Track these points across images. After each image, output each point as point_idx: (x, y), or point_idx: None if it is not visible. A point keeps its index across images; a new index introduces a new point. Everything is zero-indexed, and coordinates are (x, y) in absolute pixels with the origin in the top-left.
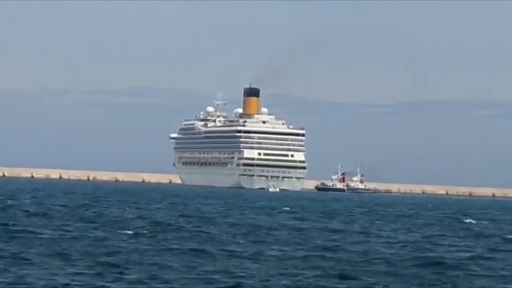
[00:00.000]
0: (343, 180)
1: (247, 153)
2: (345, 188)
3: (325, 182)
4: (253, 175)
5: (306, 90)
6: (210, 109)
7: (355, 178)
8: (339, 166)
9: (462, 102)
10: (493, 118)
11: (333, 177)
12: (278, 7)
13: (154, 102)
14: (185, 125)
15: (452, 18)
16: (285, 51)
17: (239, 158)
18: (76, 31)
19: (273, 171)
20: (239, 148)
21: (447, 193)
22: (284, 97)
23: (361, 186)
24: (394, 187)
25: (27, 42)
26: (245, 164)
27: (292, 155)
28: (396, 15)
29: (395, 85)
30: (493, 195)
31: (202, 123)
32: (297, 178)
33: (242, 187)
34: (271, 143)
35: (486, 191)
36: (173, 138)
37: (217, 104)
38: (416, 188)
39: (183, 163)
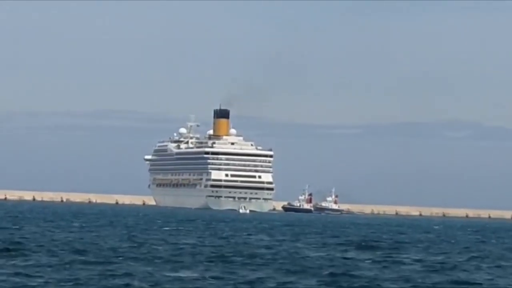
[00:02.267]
0: (310, 200)
1: (215, 175)
2: (312, 208)
3: (292, 202)
4: (221, 196)
5: (277, 111)
6: (183, 130)
7: (329, 199)
8: (306, 187)
9: (432, 124)
10: (463, 139)
11: (300, 197)
12: (250, 29)
13: (128, 125)
14: (159, 146)
15: (420, 40)
16: (256, 73)
17: (207, 180)
18: (46, 53)
19: (240, 192)
20: (207, 169)
21: (420, 214)
22: (254, 118)
23: (334, 206)
24: (368, 209)
25: None
26: (212, 186)
27: (259, 176)
28: (365, 37)
29: (365, 107)
30: (467, 216)
31: (175, 144)
32: (264, 199)
33: (210, 208)
34: (239, 164)
35: (459, 212)
36: (148, 159)
37: (190, 126)
38: (390, 209)
39: (157, 185)
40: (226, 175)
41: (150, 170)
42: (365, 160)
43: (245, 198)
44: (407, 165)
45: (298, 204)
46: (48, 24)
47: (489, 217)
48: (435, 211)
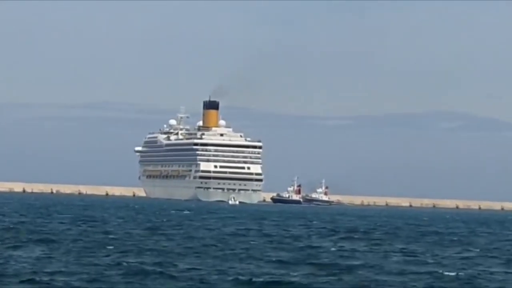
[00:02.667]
0: (299, 192)
1: (204, 166)
2: (301, 199)
3: (281, 194)
4: (210, 188)
5: (267, 103)
6: (173, 122)
7: (319, 190)
8: (295, 178)
9: (424, 115)
10: (455, 130)
11: (289, 188)
12: (240, 21)
13: (118, 116)
14: (149, 138)
15: (413, 32)
16: (246, 65)
17: (196, 171)
18: (37, 45)
19: (229, 184)
20: (196, 161)
21: (410, 205)
22: (244, 109)
23: (325, 198)
24: (358, 200)
25: None
26: (201, 177)
27: (248, 168)
28: (357, 29)
29: (356, 98)
30: (457, 207)
31: (165, 136)
32: (253, 190)
33: (200, 200)
34: (228, 156)
35: (449, 203)
36: (138, 151)
37: (181, 117)
38: (380, 201)
39: (147, 176)
40: (215, 166)
41: (140, 161)
42: (356, 151)
43: (234, 190)
44: (398, 157)
45: (287, 195)
46: (40, 16)
47: (479, 208)
48: (426, 202)
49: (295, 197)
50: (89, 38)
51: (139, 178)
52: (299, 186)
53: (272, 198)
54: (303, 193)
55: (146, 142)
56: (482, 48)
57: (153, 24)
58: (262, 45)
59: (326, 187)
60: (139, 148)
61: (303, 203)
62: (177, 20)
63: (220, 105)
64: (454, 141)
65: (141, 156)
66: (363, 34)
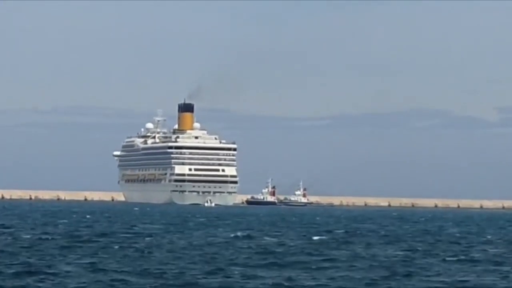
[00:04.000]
0: (273, 193)
1: (178, 169)
2: (276, 201)
3: (256, 196)
4: (185, 191)
5: (244, 104)
6: (150, 125)
7: (297, 192)
8: (270, 180)
9: (400, 114)
10: (431, 128)
11: (263, 190)
12: (215, 22)
13: (96, 121)
14: (126, 142)
15: (388, 30)
16: (222, 66)
17: (171, 174)
18: (10, 49)
19: (204, 186)
20: (171, 164)
21: (389, 205)
22: (221, 111)
23: (303, 200)
24: (337, 200)
25: None
26: (176, 180)
27: (223, 170)
28: (333, 28)
29: (332, 98)
30: (436, 206)
31: (142, 140)
32: (228, 192)
33: (175, 203)
34: (202, 158)
35: (428, 202)
36: (116, 155)
37: (158, 121)
38: (359, 201)
39: (125, 181)
40: (190, 169)
41: (119, 166)
42: (333, 151)
43: (209, 192)
44: (376, 156)
45: (262, 197)
46: (11, 19)
47: (458, 206)
48: (405, 201)
49: (270, 198)
50: (64, 42)
51: (118, 182)
52: (273, 187)
53: (246, 201)
54: (280, 196)
55: (124, 146)
56: (457, 44)
57: (129, 26)
58: (238, 47)
59: (304, 189)
60: (118, 153)
61: (278, 204)
62: (153, 22)
63: (196, 108)
64: (431, 139)
65: (120, 161)
66: (339, 33)
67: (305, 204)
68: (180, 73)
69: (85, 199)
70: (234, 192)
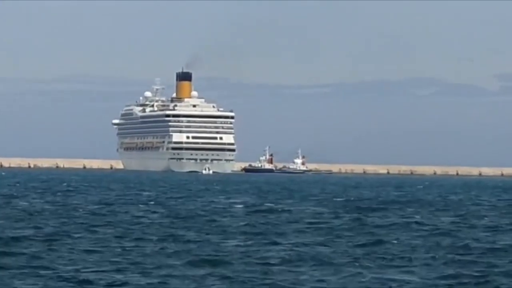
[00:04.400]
0: (271, 161)
1: (176, 137)
2: (274, 168)
3: (253, 163)
4: (182, 159)
5: (243, 72)
6: (148, 94)
7: (296, 160)
8: (267, 148)
9: (399, 82)
10: (430, 96)
11: (261, 158)
12: None
13: (95, 89)
14: (125, 110)
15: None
16: (222, 34)
17: (169, 142)
18: (11, 18)
19: (202, 154)
20: (168, 132)
21: (388, 172)
22: (219, 80)
23: (302, 167)
24: (335, 168)
25: None
26: (174, 148)
27: (221, 138)
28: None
29: (331, 66)
30: (434, 173)
31: (140, 108)
32: (226, 160)
33: (172, 171)
34: (200, 126)
35: (427, 170)
36: (115, 124)
37: (156, 89)
38: (357, 168)
39: (124, 149)
40: (187, 137)
41: (118, 134)
42: (332, 119)
43: (206, 160)
44: (374, 124)
45: (260, 165)
46: None
47: (457, 174)
48: (403, 168)
49: (267, 166)
50: (61, 11)
51: (117, 150)
52: (271, 155)
53: (244, 168)
54: (279, 164)
55: (122, 115)
56: (455, 12)
57: None
58: (237, 15)
59: (303, 156)
60: (117, 121)
61: (276, 172)
62: None
63: (194, 76)
64: (430, 107)
65: (119, 129)
66: (339, 2)
67: (303, 171)
68: (180, 42)
69: (84, 167)
70: (232, 160)
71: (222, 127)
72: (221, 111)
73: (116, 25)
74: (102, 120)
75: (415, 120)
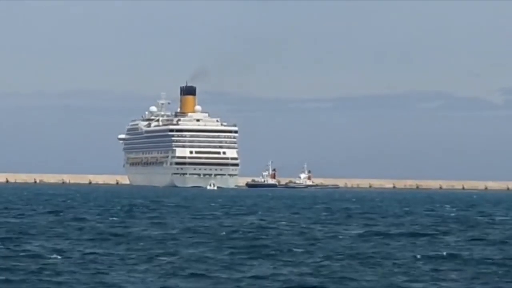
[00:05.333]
0: (274, 176)
1: (179, 152)
2: (277, 183)
3: (256, 178)
4: (186, 174)
5: (248, 87)
6: (153, 108)
7: (302, 175)
8: (270, 162)
9: (403, 96)
10: (435, 110)
11: (264, 173)
12: (219, 3)
13: (101, 104)
14: (131, 125)
15: (391, 11)
16: (224, 49)
17: (172, 157)
18: (16, 33)
19: (205, 169)
20: (172, 146)
21: (394, 187)
22: (222, 94)
23: (308, 182)
24: (341, 182)
25: None
26: (177, 163)
27: (224, 152)
28: (335, 12)
29: (336, 80)
30: (440, 187)
31: (146, 123)
32: (229, 175)
33: (176, 186)
34: (203, 141)
35: (433, 184)
36: (121, 139)
37: (162, 104)
38: (363, 183)
39: (130, 164)
40: (191, 152)
41: (124, 149)
42: (338, 134)
43: (210, 175)
44: (380, 138)
45: (263, 180)
46: (18, 6)
47: (463, 188)
48: (409, 183)
49: (271, 181)
50: (68, 25)
51: (124, 166)
52: (274, 170)
53: (247, 184)
54: (282, 179)
55: (128, 130)
56: (460, 25)
57: (134, 9)
58: (241, 29)
59: (309, 171)
60: (123, 136)
61: (279, 187)
62: (156, 4)
63: (198, 90)
64: (435, 121)
65: (125, 144)
66: (342, 15)
67: (306, 186)
68: (186, 56)
69: (90, 183)
70: (235, 175)
71: (226, 142)
72: (224, 125)
73: (121, 39)
74: (107, 135)
75: (421, 134)
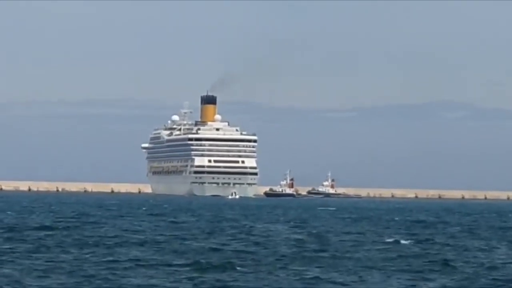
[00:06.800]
0: (291, 185)
1: (198, 161)
2: (295, 193)
3: (274, 187)
4: (204, 183)
5: (269, 96)
6: (176, 117)
7: (325, 183)
8: (288, 172)
9: (427, 105)
10: (459, 120)
11: (282, 182)
12: (238, 13)
13: (124, 113)
14: (154, 134)
15: (415, 21)
16: (246, 58)
17: (191, 166)
18: (40, 43)
19: (224, 178)
20: (191, 156)
21: (416, 197)
22: (243, 103)
23: (331, 191)
24: (363, 192)
25: None
26: (196, 172)
27: (243, 161)
28: (360, 19)
29: (359, 90)
30: (463, 197)
31: (168, 132)
32: (248, 184)
33: (195, 195)
34: (222, 150)
35: (455, 194)
36: (144, 148)
37: (184, 113)
38: (386, 192)
39: (153, 173)
40: (209, 161)
41: (147, 158)
42: (360, 143)
43: (228, 184)
44: (402, 148)
45: (280, 189)
46: (41, 15)
47: (485, 198)
48: (431, 193)
49: (288, 190)
50: (92, 35)
51: (147, 175)
52: (291, 179)
53: (265, 193)
54: (303, 188)
55: (151, 139)
56: (485, 36)
57: (157, 19)
58: (263, 39)
59: (333, 180)
60: (146, 145)
61: (296, 196)
62: (181, 14)
63: (218, 100)
64: (459, 131)
65: (148, 153)
66: (366, 24)
67: (324, 196)
68: (207, 65)
69: (112, 191)
70: (254, 184)
71: (245, 151)
72: (244, 134)
73: (146, 48)
74: (130, 144)
75: (444, 144)
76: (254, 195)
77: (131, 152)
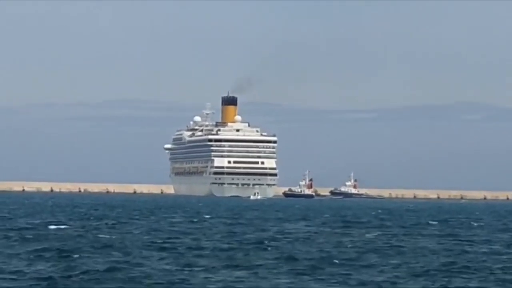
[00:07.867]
0: (310, 186)
1: (218, 162)
2: (313, 194)
3: (293, 188)
4: (224, 183)
5: (290, 97)
6: (197, 119)
7: (348, 183)
8: (307, 172)
9: (447, 107)
10: (479, 121)
11: (300, 183)
12: (261, 16)
13: (143, 114)
14: (176, 135)
15: (435, 22)
16: (267, 60)
17: (211, 167)
18: (63, 45)
19: (243, 179)
20: (211, 156)
21: (438, 197)
22: (264, 105)
23: (354, 191)
24: (385, 193)
25: (11, 58)
26: (215, 173)
27: (262, 162)
28: (379, 21)
29: (379, 91)
30: (485, 198)
31: (190, 133)
32: (268, 184)
33: (215, 196)
34: (242, 151)
35: (477, 194)
36: (167, 148)
37: (206, 114)
38: (408, 193)
39: (175, 174)
40: (229, 162)
41: (170, 159)
42: (381, 144)
43: (248, 185)
44: (424, 149)
45: (299, 190)
46: (60, 15)
47: (507, 198)
48: (453, 193)
49: (307, 191)
50: (114, 37)
51: (170, 175)
52: (310, 180)
53: (283, 193)
54: (323, 189)
55: (174, 140)
56: (505, 38)
57: (177, 20)
58: (283, 41)
59: (355, 180)
60: (169, 146)
61: (315, 197)
62: (204, 16)
63: (239, 101)
64: (479, 132)
65: (171, 154)
66: (388, 25)
67: (342, 197)
68: (229, 67)
69: (134, 192)
70: (273, 184)
71: (264, 152)
72: (264, 135)
73: (168, 49)
74: (152, 145)
75: (465, 145)
76: (274, 195)
77: (153, 153)
